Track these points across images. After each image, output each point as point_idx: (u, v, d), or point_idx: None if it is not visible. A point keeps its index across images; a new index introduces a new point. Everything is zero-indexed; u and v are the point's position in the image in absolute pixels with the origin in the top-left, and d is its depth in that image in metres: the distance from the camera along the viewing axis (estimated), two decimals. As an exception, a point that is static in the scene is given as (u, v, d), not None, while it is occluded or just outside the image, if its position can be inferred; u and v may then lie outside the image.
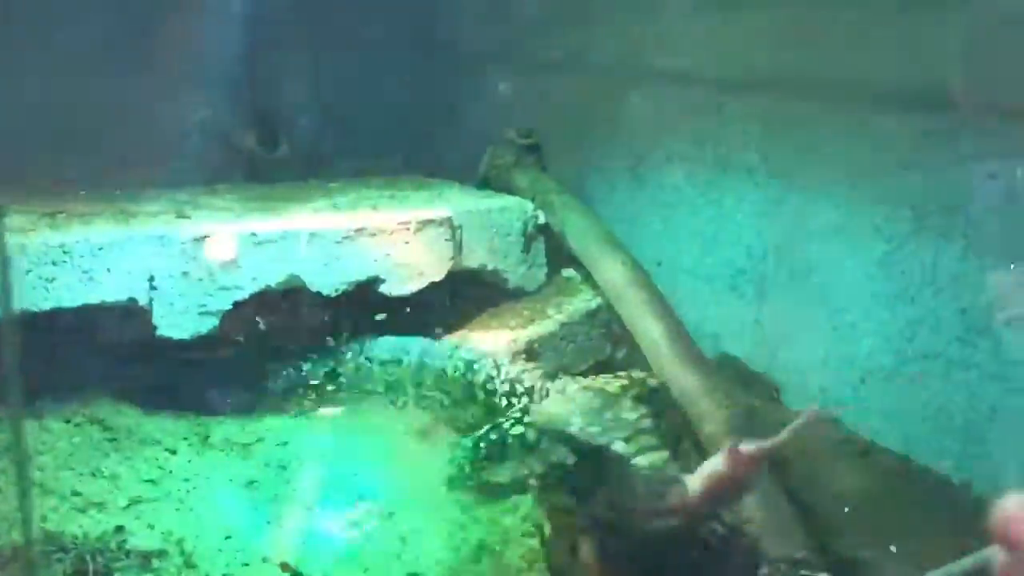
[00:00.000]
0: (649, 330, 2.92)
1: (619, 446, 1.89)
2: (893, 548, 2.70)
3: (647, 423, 2.08)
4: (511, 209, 3.60)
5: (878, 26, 3.01)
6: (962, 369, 2.83)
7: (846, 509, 2.86)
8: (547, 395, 2.52)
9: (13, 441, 1.61)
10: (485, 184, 4.03)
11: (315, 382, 3.36)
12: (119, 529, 2.37)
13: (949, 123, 2.82)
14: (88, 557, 2.26)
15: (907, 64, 2.91)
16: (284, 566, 2.35)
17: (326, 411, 3.24)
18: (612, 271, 3.22)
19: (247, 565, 2.33)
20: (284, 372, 3.34)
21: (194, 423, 3.04)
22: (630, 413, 2.09)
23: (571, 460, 1.92)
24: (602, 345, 3.46)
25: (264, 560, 2.37)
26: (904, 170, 2.95)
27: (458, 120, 4.74)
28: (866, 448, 3.12)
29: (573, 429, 1.91)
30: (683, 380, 2.72)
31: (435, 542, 2.45)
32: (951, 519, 2.76)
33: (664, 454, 1.99)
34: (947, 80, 2.77)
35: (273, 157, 4.43)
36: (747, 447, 1.67)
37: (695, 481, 1.67)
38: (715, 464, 1.68)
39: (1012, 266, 2.73)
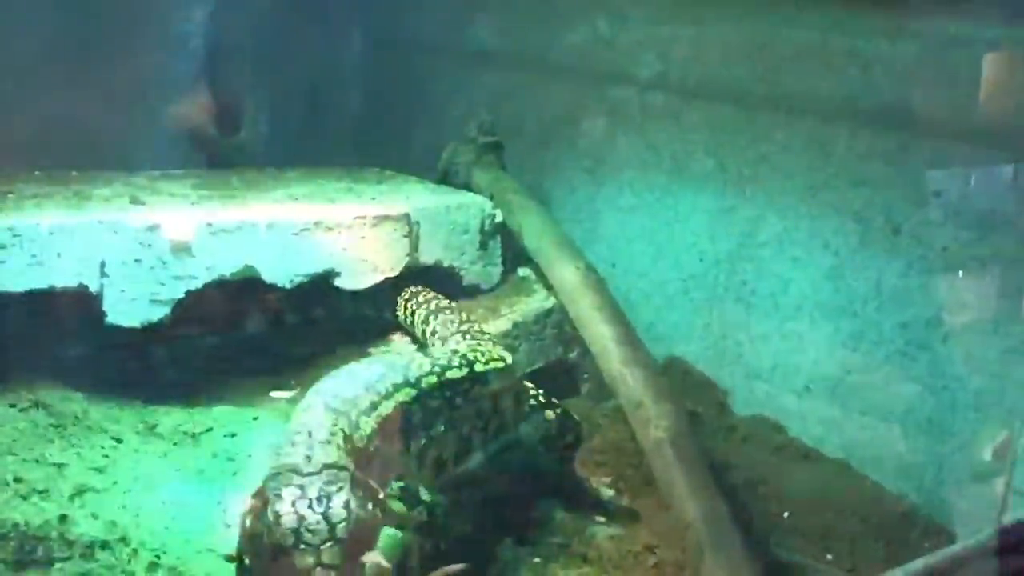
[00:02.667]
0: (600, 334, 2.96)
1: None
2: (829, 556, 2.78)
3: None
4: (469, 207, 3.62)
5: (832, 45, 3.08)
6: (901, 381, 2.92)
7: (785, 514, 2.93)
8: None
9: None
10: (444, 180, 4.03)
11: (265, 372, 3.36)
12: (63, 518, 2.34)
13: (897, 141, 2.90)
14: (29, 545, 2.24)
15: (858, 83, 2.99)
16: (231, 558, 2.35)
17: (278, 396, 3.23)
18: (566, 273, 3.25)
19: (193, 556, 2.33)
20: (235, 362, 3.33)
21: (142, 411, 3.02)
22: None
23: None
24: (554, 345, 3.50)
25: (210, 551, 2.36)
26: (853, 186, 3.03)
27: (419, 115, 4.74)
28: (807, 454, 3.21)
29: None
30: (630, 383, 2.76)
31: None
32: (885, 527, 2.85)
33: None
34: (896, 100, 2.85)
35: (232, 143, 4.39)
36: None
37: None
38: None
39: (952, 282, 2.81)
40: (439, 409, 2.43)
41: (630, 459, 3.07)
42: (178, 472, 2.73)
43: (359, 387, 2.21)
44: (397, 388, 2.30)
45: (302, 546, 1.74)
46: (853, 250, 3.03)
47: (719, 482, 2.67)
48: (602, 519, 2.79)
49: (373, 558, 1.77)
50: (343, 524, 1.78)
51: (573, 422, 2.90)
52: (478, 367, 2.59)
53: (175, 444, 2.89)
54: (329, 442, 1.98)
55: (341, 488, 1.84)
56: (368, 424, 2.13)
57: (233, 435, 2.98)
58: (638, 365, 2.80)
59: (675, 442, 2.57)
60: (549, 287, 3.49)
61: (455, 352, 2.65)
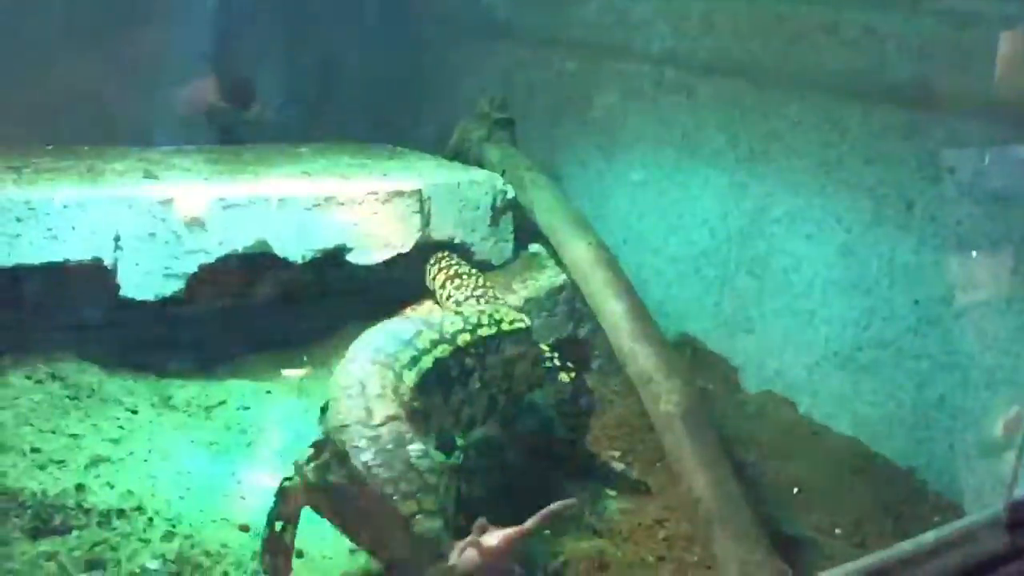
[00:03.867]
0: (611, 309, 2.96)
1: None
2: (838, 531, 2.79)
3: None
4: (481, 183, 3.62)
5: (846, 20, 3.06)
6: (913, 358, 2.92)
7: (795, 490, 2.94)
8: None
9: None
10: (456, 157, 4.04)
11: (275, 348, 3.38)
12: (79, 487, 2.38)
13: (911, 118, 2.88)
14: (46, 514, 2.26)
15: (872, 58, 2.97)
16: (243, 528, 2.38)
17: (289, 375, 3.26)
18: (578, 250, 3.25)
19: (208, 525, 2.36)
20: (247, 337, 3.35)
21: (156, 384, 3.05)
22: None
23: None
24: (565, 322, 3.50)
25: (224, 520, 2.39)
26: (866, 162, 3.02)
27: (431, 91, 4.74)
28: (817, 431, 3.21)
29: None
30: (640, 358, 2.77)
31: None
32: (895, 502, 2.86)
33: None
34: (910, 76, 2.83)
35: (245, 118, 4.39)
36: (491, 539, 1.68)
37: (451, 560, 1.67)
38: (467, 553, 1.67)
39: (966, 259, 2.80)
40: (472, 366, 2.44)
41: (640, 434, 3.08)
42: (192, 444, 2.76)
43: (398, 343, 2.22)
44: (434, 344, 2.30)
45: (398, 495, 1.74)
46: (866, 227, 3.02)
47: (729, 458, 2.68)
48: (612, 493, 2.81)
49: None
50: (431, 472, 1.79)
51: (587, 388, 2.91)
52: (505, 326, 2.62)
53: (189, 416, 2.92)
54: (383, 395, 2.00)
55: (413, 438, 1.87)
56: (411, 378, 2.14)
57: (246, 408, 3.01)
58: (649, 340, 2.81)
59: (685, 417, 2.57)
60: (560, 263, 3.49)
61: (482, 311, 2.67)
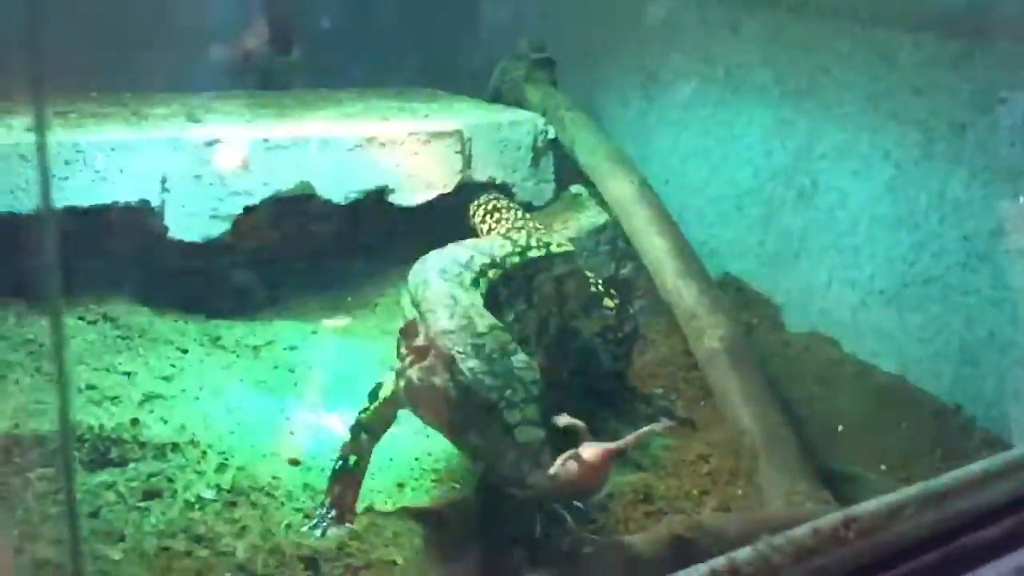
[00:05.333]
0: (654, 246, 2.96)
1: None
2: (883, 467, 2.78)
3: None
4: (521, 123, 3.61)
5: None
6: (962, 294, 2.87)
7: (839, 427, 2.93)
8: None
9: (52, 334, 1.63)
10: (496, 98, 4.01)
11: (323, 290, 3.42)
12: (134, 422, 2.44)
13: (962, 47, 2.81)
14: (103, 447, 2.33)
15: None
16: (293, 461, 2.43)
17: (330, 324, 3.29)
18: (620, 188, 3.24)
19: (259, 459, 2.41)
20: (294, 278, 3.39)
21: (205, 325, 3.11)
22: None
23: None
24: (607, 261, 3.50)
25: (275, 455, 2.44)
26: (916, 94, 2.95)
27: (471, 33, 4.69)
28: (862, 370, 3.19)
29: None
30: (685, 295, 2.76)
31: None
32: (941, 439, 2.84)
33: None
34: (961, 3, 2.75)
35: (285, 63, 4.39)
36: (589, 452, 1.68)
37: (552, 469, 1.68)
38: (568, 465, 1.67)
39: (1018, 191, 2.75)
40: (522, 287, 2.46)
41: (684, 373, 3.08)
42: (241, 382, 2.82)
43: (457, 265, 2.24)
44: (487, 267, 2.32)
45: (504, 403, 1.76)
46: (915, 161, 2.96)
47: (773, 396, 2.68)
48: (657, 429, 2.81)
49: (566, 419, 1.77)
50: (534, 383, 1.82)
51: (630, 314, 2.91)
52: (553, 248, 2.65)
53: (238, 356, 2.98)
54: (475, 305, 2.03)
55: (516, 348, 1.90)
56: (475, 297, 2.16)
57: (293, 348, 3.06)
58: (692, 277, 2.80)
59: (730, 352, 2.57)
60: (602, 203, 3.48)
61: (531, 234, 2.68)
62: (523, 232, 2.79)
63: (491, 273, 2.31)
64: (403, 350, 2.03)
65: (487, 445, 1.77)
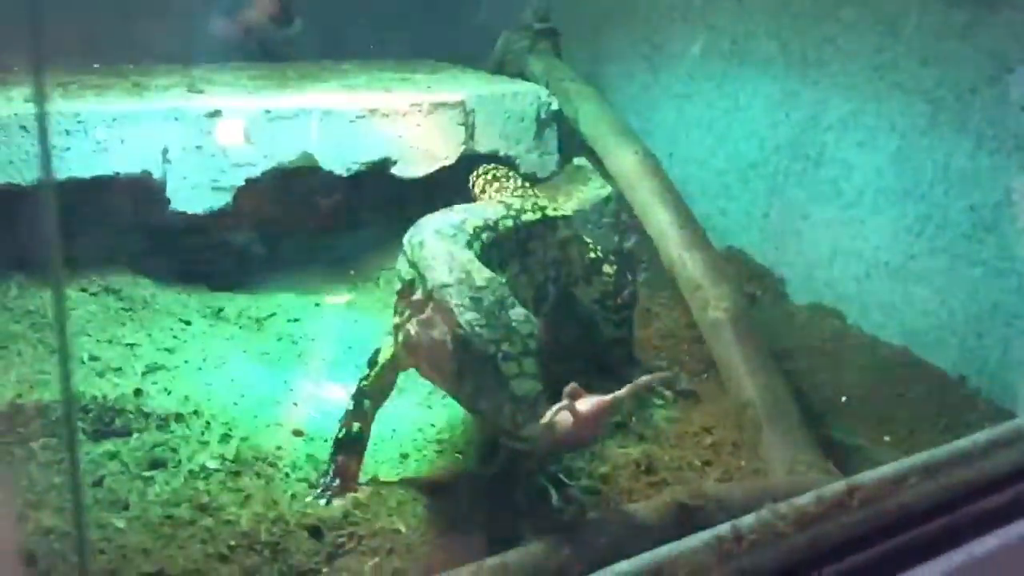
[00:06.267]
0: (658, 218, 2.94)
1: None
2: (887, 438, 2.78)
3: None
4: (525, 95, 3.58)
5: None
6: (967, 265, 2.86)
7: (843, 399, 2.93)
8: None
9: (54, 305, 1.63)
10: (500, 69, 3.99)
11: (325, 263, 3.41)
12: (138, 392, 2.43)
13: (970, 15, 2.78)
14: (107, 417, 2.33)
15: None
16: (297, 433, 2.43)
17: (332, 301, 3.28)
18: (624, 159, 3.22)
19: (263, 430, 2.41)
20: (296, 251, 3.38)
21: (207, 297, 3.10)
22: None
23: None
24: (611, 234, 3.48)
25: (279, 425, 2.44)
26: (923, 64, 2.92)
27: (474, 4, 4.66)
28: (866, 341, 3.18)
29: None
30: (688, 266, 2.75)
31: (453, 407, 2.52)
32: (945, 410, 2.84)
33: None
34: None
35: (287, 35, 4.36)
36: (584, 404, 1.67)
37: (544, 421, 1.67)
38: (562, 414, 1.67)
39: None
40: (516, 251, 2.45)
41: (687, 345, 3.07)
42: (245, 353, 2.81)
43: (452, 227, 2.23)
44: (479, 230, 2.31)
45: (501, 356, 1.76)
46: (921, 131, 2.94)
47: (777, 367, 2.67)
48: (659, 401, 2.81)
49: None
50: (531, 337, 1.82)
51: (628, 280, 2.90)
52: (549, 211, 2.64)
53: (241, 328, 2.97)
54: (472, 260, 2.02)
55: (514, 302, 1.89)
56: (471, 255, 2.15)
57: (296, 320, 3.05)
58: (697, 248, 2.79)
59: (734, 322, 2.57)
60: (606, 175, 3.46)
61: (526, 198, 2.66)
62: (518, 197, 2.78)
63: (484, 236, 2.30)
64: (400, 307, 2.03)
65: (484, 397, 1.77)
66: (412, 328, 1.95)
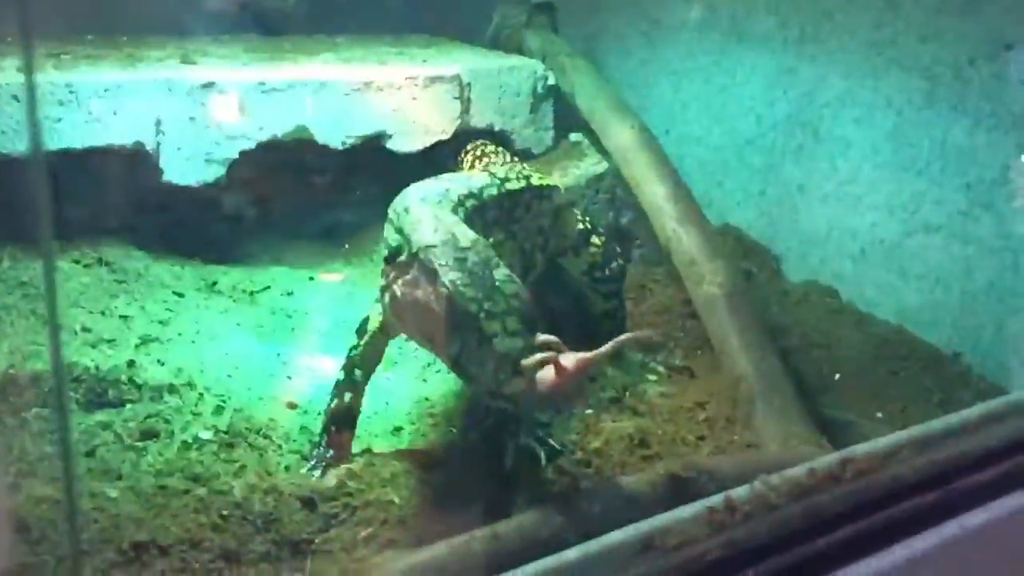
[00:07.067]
0: (654, 192, 2.94)
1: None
2: (879, 415, 2.79)
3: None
4: (521, 69, 3.56)
5: None
6: (962, 243, 2.86)
7: (836, 375, 2.94)
8: None
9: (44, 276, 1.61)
10: (496, 44, 3.96)
11: (320, 237, 3.39)
12: (131, 364, 2.43)
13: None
14: (100, 388, 2.32)
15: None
16: (291, 405, 2.43)
17: (333, 266, 3.27)
18: (620, 134, 3.21)
19: (256, 402, 2.41)
20: (291, 225, 3.37)
21: (201, 270, 3.09)
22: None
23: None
24: (606, 210, 3.47)
25: (272, 398, 2.44)
26: (921, 41, 2.91)
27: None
28: (861, 319, 3.19)
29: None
30: (684, 241, 2.75)
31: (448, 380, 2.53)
32: (939, 387, 2.85)
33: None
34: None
35: (282, 8, 4.33)
36: (567, 360, 1.68)
37: (527, 363, 1.68)
38: (546, 370, 1.67)
39: (1021, 139, 2.72)
40: (501, 219, 2.45)
41: (682, 321, 3.07)
42: (238, 326, 2.81)
43: (438, 195, 2.23)
44: (464, 198, 2.31)
45: (484, 315, 1.76)
46: (918, 108, 2.93)
47: (771, 343, 2.67)
48: (653, 377, 2.81)
49: (542, 337, 1.77)
50: (515, 297, 1.82)
51: (616, 252, 2.90)
52: (534, 180, 2.64)
53: (234, 301, 2.96)
54: (458, 224, 2.03)
55: (499, 263, 1.90)
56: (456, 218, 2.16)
57: (290, 294, 3.04)
58: (692, 223, 2.78)
59: (729, 297, 2.56)
60: (602, 151, 3.45)
61: (512, 168, 2.66)
62: (504, 167, 2.77)
63: (468, 203, 2.30)
64: (386, 269, 2.04)
65: (468, 356, 1.78)
66: (398, 289, 1.96)
